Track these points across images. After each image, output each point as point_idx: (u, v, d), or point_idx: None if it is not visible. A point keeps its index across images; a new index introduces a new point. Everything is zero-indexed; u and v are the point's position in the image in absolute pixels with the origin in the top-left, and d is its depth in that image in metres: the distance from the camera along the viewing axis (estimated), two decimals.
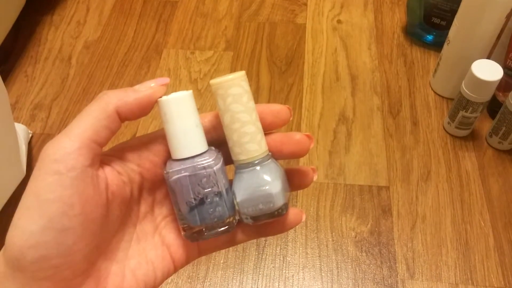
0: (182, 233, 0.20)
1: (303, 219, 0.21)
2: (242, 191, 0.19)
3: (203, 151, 0.19)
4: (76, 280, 0.17)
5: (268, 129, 0.20)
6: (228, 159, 0.20)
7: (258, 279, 0.46)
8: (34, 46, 0.68)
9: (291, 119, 0.21)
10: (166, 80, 0.19)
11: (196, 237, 0.20)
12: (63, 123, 0.59)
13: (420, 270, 0.46)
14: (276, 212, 0.19)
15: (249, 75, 0.63)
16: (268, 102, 0.61)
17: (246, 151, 0.19)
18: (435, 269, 0.46)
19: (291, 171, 0.20)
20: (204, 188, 0.19)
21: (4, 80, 0.64)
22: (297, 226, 0.49)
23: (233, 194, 0.20)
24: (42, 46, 0.68)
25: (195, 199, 0.19)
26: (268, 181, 0.19)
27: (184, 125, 0.19)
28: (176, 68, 0.65)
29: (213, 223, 0.19)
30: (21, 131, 0.54)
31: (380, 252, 0.47)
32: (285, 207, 0.20)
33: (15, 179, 0.49)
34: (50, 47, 0.68)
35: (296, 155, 0.20)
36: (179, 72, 0.64)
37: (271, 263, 0.47)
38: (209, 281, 0.46)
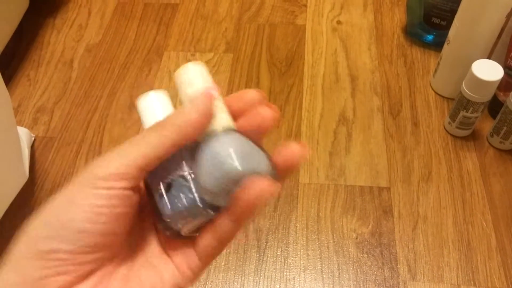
0: (162, 230, 0.19)
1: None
2: (199, 160, 0.18)
3: None
4: (78, 276, 0.18)
5: (238, 113, 0.19)
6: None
7: (259, 281, 0.46)
8: (36, 50, 0.69)
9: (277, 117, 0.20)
10: (214, 92, 0.19)
11: (175, 230, 0.19)
12: (65, 126, 0.60)
13: (422, 271, 0.46)
14: (234, 177, 0.17)
15: (249, 77, 0.64)
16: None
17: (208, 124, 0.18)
18: (437, 270, 0.46)
19: (278, 151, 0.19)
20: (169, 173, 0.18)
21: (7, 83, 0.64)
22: (298, 228, 0.49)
23: (194, 167, 0.18)
24: (44, 49, 0.69)
25: (163, 184, 0.18)
26: (224, 133, 0.18)
27: (152, 119, 0.20)
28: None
29: (184, 208, 0.18)
30: (24, 135, 0.55)
31: (381, 253, 0.47)
32: (248, 172, 0.17)
33: (18, 183, 0.49)
34: (52, 51, 0.68)
35: (264, 126, 0.19)
36: None
37: (272, 265, 0.47)
38: (210, 284, 0.46)
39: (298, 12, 0.71)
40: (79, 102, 0.62)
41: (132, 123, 0.60)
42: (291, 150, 0.18)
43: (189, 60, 0.66)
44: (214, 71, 0.65)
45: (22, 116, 0.61)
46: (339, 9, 0.71)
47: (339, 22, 0.69)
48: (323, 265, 0.47)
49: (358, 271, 0.46)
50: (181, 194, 0.18)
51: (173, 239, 0.20)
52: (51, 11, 0.74)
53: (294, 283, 0.46)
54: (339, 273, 0.46)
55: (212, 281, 0.46)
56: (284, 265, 0.47)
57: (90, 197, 0.17)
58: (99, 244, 0.17)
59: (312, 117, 0.59)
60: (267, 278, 0.46)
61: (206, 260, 0.20)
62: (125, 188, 0.17)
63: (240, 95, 0.19)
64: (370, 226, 0.49)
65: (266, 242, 0.49)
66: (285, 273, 0.46)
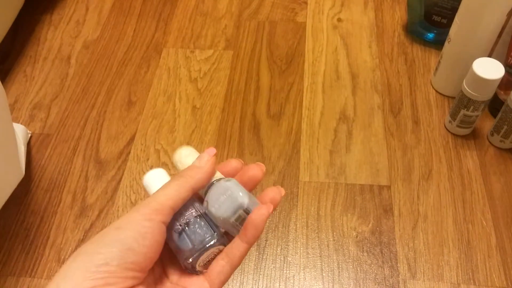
0: (184, 267, 0.23)
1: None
2: (211, 197, 0.23)
3: None
4: None
5: (249, 185, 0.25)
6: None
7: (259, 280, 0.46)
8: (33, 46, 0.68)
9: (264, 172, 0.25)
10: (213, 151, 0.24)
11: (194, 263, 0.22)
12: (62, 123, 0.59)
13: (422, 270, 0.46)
14: (245, 210, 0.22)
15: (249, 74, 0.63)
16: (269, 101, 0.60)
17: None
18: (437, 269, 0.46)
19: (261, 193, 0.25)
20: (185, 214, 0.23)
21: (3, 80, 0.63)
22: (298, 226, 0.49)
23: (205, 202, 0.23)
24: (41, 45, 0.68)
25: (180, 225, 0.22)
26: (232, 184, 0.23)
27: (161, 183, 0.24)
28: (176, 67, 0.64)
29: (202, 240, 0.22)
30: (20, 131, 0.54)
31: (381, 252, 0.47)
32: (252, 205, 0.22)
33: (14, 180, 0.49)
34: (49, 47, 0.68)
35: (254, 179, 0.25)
36: (179, 71, 0.64)
37: (272, 263, 0.47)
38: None
39: (299, 9, 0.71)
40: (76, 98, 0.61)
41: (130, 120, 0.59)
42: (272, 195, 0.24)
43: (188, 58, 0.65)
44: (214, 69, 0.64)
45: (18, 112, 0.60)
46: (339, 6, 0.71)
47: (339, 20, 0.69)
48: (323, 264, 0.46)
49: (358, 269, 0.46)
50: (198, 230, 0.22)
51: (188, 273, 0.23)
52: (47, 7, 0.73)
53: (293, 282, 0.46)
54: (339, 272, 0.46)
55: None
56: (284, 263, 0.47)
57: (136, 224, 0.21)
58: (140, 263, 0.21)
59: (312, 115, 0.59)
60: (267, 276, 0.46)
61: (218, 285, 0.23)
62: (161, 221, 0.21)
63: (225, 164, 0.25)
64: (370, 225, 0.49)
65: (266, 240, 0.48)
66: (284, 271, 0.46)
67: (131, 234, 0.21)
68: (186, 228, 0.22)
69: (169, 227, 0.22)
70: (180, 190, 0.22)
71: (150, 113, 0.60)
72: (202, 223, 0.22)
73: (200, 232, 0.22)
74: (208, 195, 0.23)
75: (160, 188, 0.23)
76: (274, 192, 0.24)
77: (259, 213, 0.22)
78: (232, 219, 0.22)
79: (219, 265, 0.23)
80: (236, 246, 0.23)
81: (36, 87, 0.63)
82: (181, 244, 0.22)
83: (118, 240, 0.20)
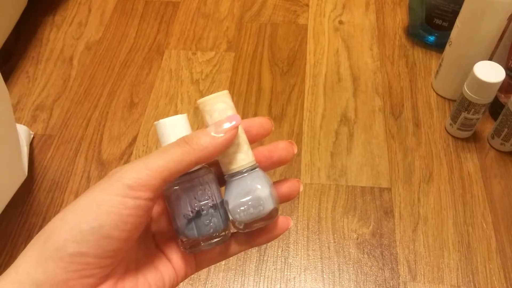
0: (181, 246, 0.21)
1: (291, 224, 0.23)
2: (233, 198, 0.20)
3: (197, 168, 0.21)
4: (99, 279, 0.18)
5: (254, 140, 0.21)
6: (219, 180, 0.22)
7: (260, 281, 0.46)
8: (36, 47, 0.68)
9: (273, 129, 0.22)
10: (238, 119, 0.20)
11: (193, 249, 0.21)
12: (64, 124, 0.59)
13: (422, 272, 0.46)
14: (266, 216, 0.21)
15: (250, 76, 0.63)
16: (270, 103, 0.61)
17: (234, 160, 0.20)
18: (437, 271, 0.46)
19: (279, 182, 0.22)
20: (200, 201, 0.20)
21: (6, 80, 0.64)
22: (298, 228, 0.49)
23: (225, 202, 0.21)
24: (43, 47, 0.68)
25: (192, 212, 0.20)
26: (256, 186, 0.20)
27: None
28: (177, 69, 0.65)
29: (209, 234, 0.20)
30: (23, 132, 0.54)
31: (382, 254, 0.47)
32: (275, 211, 0.21)
33: (17, 180, 0.49)
34: (52, 48, 0.68)
35: (284, 161, 0.22)
36: (180, 73, 0.64)
37: (273, 265, 0.47)
38: (210, 283, 0.46)
39: (300, 12, 0.71)
40: (78, 99, 0.62)
41: (132, 121, 0.59)
42: (293, 187, 0.22)
43: (190, 59, 0.66)
44: (216, 70, 0.64)
45: (21, 113, 0.61)
46: (341, 9, 0.71)
47: (341, 22, 0.69)
48: (324, 266, 0.47)
49: (359, 271, 0.46)
50: (210, 223, 0.20)
51: (173, 244, 0.22)
52: (50, 9, 0.73)
53: (294, 283, 0.46)
54: (339, 274, 0.46)
55: (212, 281, 0.46)
56: (285, 265, 0.47)
57: (118, 205, 0.18)
58: (121, 249, 0.18)
59: (313, 117, 0.59)
60: (268, 278, 0.46)
61: (203, 267, 0.22)
62: (149, 199, 0.18)
63: (250, 120, 0.22)
64: (371, 227, 0.49)
65: None
66: (285, 273, 0.46)
67: (110, 221, 0.17)
68: (198, 218, 0.20)
69: (176, 205, 0.20)
70: (182, 162, 0.18)
71: (152, 114, 0.60)
72: (216, 218, 0.20)
73: (211, 225, 0.20)
74: (230, 193, 0.20)
75: (158, 151, 0.19)
76: (294, 186, 0.22)
77: (283, 226, 0.22)
78: (253, 223, 0.21)
79: (213, 253, 0.22)
80: (240, 245, 0.22)
81: (38, 88, 0.63)
82: (186, 230, 0.20)
83: (97, 227, 0.17)
